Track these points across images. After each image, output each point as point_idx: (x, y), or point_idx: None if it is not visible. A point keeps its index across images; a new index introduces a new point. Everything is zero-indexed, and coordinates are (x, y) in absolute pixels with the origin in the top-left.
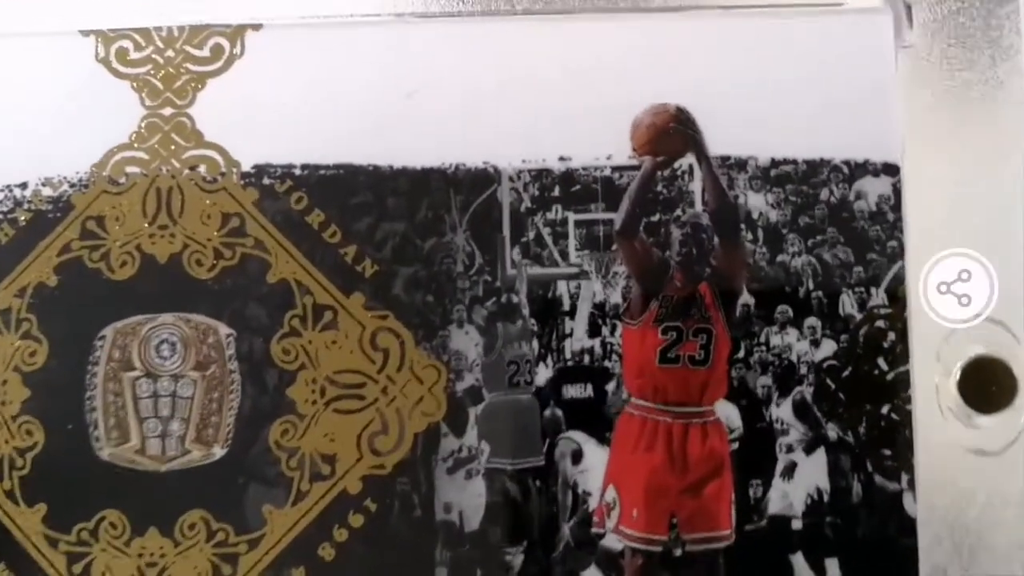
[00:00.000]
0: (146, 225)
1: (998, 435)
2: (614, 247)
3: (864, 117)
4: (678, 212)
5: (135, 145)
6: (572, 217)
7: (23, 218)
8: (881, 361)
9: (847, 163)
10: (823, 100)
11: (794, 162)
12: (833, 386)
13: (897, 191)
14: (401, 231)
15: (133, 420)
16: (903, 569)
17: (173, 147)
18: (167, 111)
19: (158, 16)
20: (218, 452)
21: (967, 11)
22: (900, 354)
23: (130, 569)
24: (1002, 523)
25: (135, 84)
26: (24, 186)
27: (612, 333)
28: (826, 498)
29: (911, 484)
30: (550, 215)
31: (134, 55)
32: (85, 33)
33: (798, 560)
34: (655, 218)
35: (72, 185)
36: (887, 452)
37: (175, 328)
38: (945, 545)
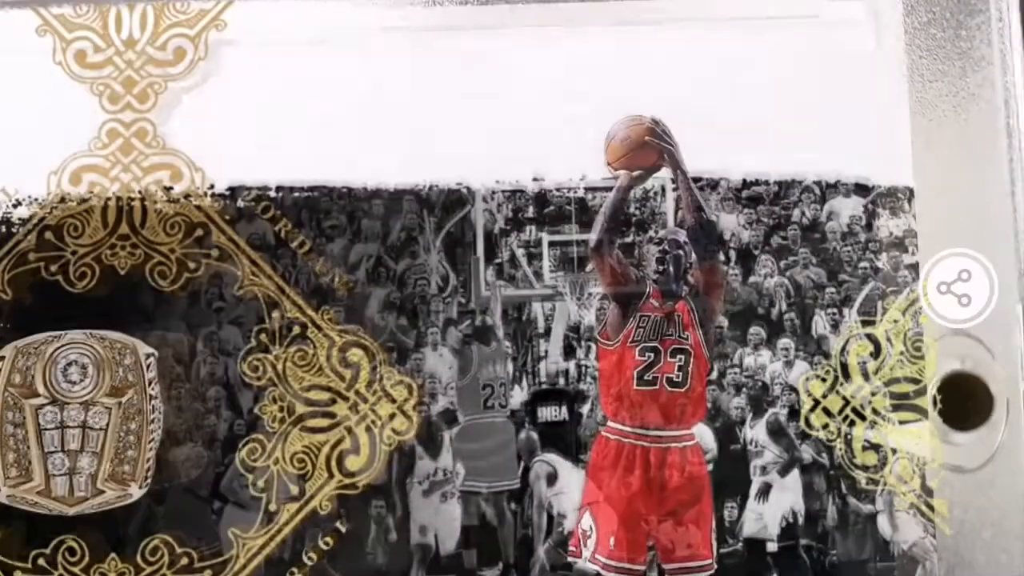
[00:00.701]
0: (104, 234)
1: (975, 453)
2: (589, 267)
3: (839, 130)
4: (651, 232)
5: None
6: (546, 238)
7: None
8: (858, 379)
9: (819, 183)
10: (798, 111)
11: (766, 183)
12: (808, 406)
13: (868, 211)
14: (375, 252)
15: (35, 456)
16: None
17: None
18: (128, 116)
19: None
20: (135, 492)
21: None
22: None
23: None
24: (979, 542)
25: (94, 87)
26: None
27: (587, 355)
28: (800, 520)
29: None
30: (524, 236)
31: (94, 57)
32: (41, 32)
33: None
34: (630, 238)
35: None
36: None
37: (86, 347)
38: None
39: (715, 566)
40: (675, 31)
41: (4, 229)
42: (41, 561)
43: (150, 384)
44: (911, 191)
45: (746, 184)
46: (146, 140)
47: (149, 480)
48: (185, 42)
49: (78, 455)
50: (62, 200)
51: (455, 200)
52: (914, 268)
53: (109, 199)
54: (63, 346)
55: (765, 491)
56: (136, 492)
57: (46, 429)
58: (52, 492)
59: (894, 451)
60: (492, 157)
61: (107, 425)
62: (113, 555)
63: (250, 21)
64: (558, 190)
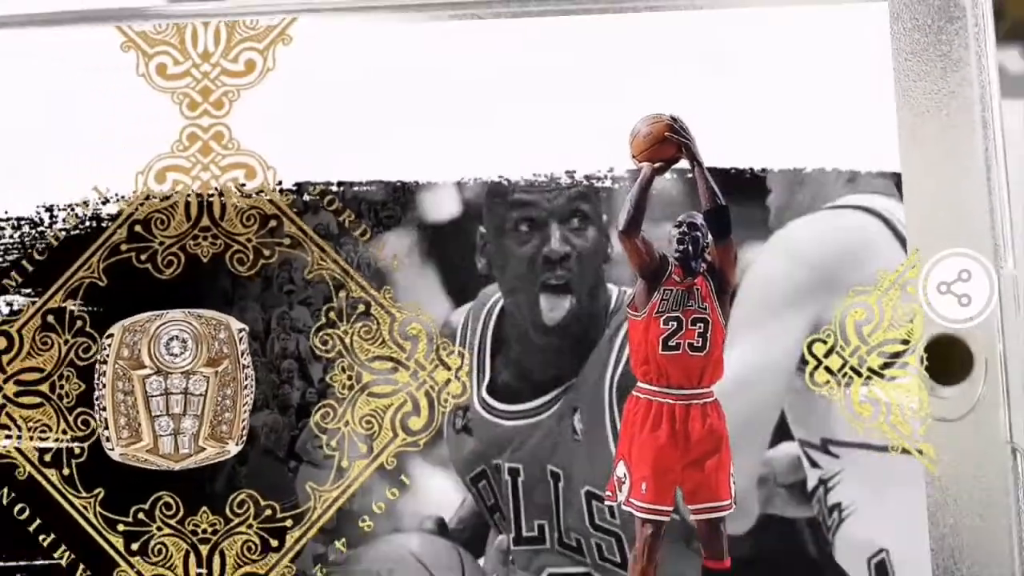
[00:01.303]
0: (188, 227)
1: (958, 404)
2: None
3: (830, 125)
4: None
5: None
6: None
7: (76, 224)
8: (855, 341)
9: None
10: (793, 108)
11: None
12: (813, 365)
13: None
14: (428, 237)
15: (144, 419)
16: None
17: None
18: (205, 121)
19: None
20: (232, 448)
21: None
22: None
23: (183, 546)
24: (963, 480)
25: (174, 96)
26: (77, 196)
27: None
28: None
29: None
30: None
31: (173, 69)
32: (126, 48)
33: None
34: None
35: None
36: None
37: (185, 324)
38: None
39: (733, 506)
40: (687, 27)
41: (95, 224)
42: (140, 515)
43: (242, 355)
44: (898, 176)
45: (753, 174)
46: (222, 142)
47: (244, 438)
48: (255, 55)
49: (181, 418)
50: (147, 197)
51: (496, 190)
52: (902, 243)
53: (191, 195)
54: (165, 323)
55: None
56: (233, 449)
57: (152, 396)
58: (160, 450)
59: (887, 404)
60: (527, 152)
61: (206, 391)
62: (204, 508)
63: (312, 36)
64: (587, 180)
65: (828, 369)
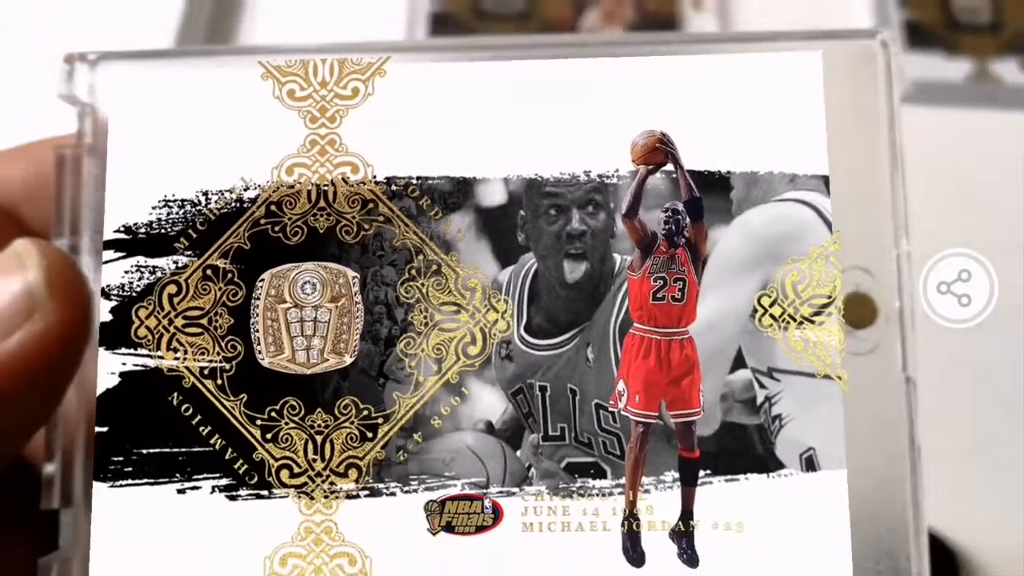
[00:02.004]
0: (309, 207)
1: (867, 342)
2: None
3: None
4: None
5: (300, 154)
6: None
7: (227, 204)
8: (791, 295)
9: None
10: (759, 127)
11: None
12: (760, 313)
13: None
14: (482, 218)
15: (286, 338)
16: None
17: (326, 155)
18: (323, 131)
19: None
20: (348, 360)
21: None
22: (804, 290)
23: (303, 436)
24: (873, 398)
25: (300, 113)
26: (227, 183)
27: None
28: (756, 385)
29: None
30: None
31: (299, 93)
32: (265, 78)
33: None
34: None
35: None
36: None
37: (315, 272)
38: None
39: (702, 412)
40: (675, 63)
41: (240, 205)
42: (273, 414)
43: (355, 295)
44: (827, 177)
45: (720, 175)
46: (335, 147)
47: (356, 353)
48: (359, 83)
49: (311, 338)
50: (279, 186)
51: (533, 184)
52: (828, 226)
53: (312, 185)
54: (300, 271)
55: (734, 369)
56: (348, 360)
57: (291, 323)
58: (296, 360)
59: (815, 342)
60: (557, 156)
61: (329, 320)
62: (319, 409)
63: (400, 71)
64: (600, 177)
65: (772, 316)
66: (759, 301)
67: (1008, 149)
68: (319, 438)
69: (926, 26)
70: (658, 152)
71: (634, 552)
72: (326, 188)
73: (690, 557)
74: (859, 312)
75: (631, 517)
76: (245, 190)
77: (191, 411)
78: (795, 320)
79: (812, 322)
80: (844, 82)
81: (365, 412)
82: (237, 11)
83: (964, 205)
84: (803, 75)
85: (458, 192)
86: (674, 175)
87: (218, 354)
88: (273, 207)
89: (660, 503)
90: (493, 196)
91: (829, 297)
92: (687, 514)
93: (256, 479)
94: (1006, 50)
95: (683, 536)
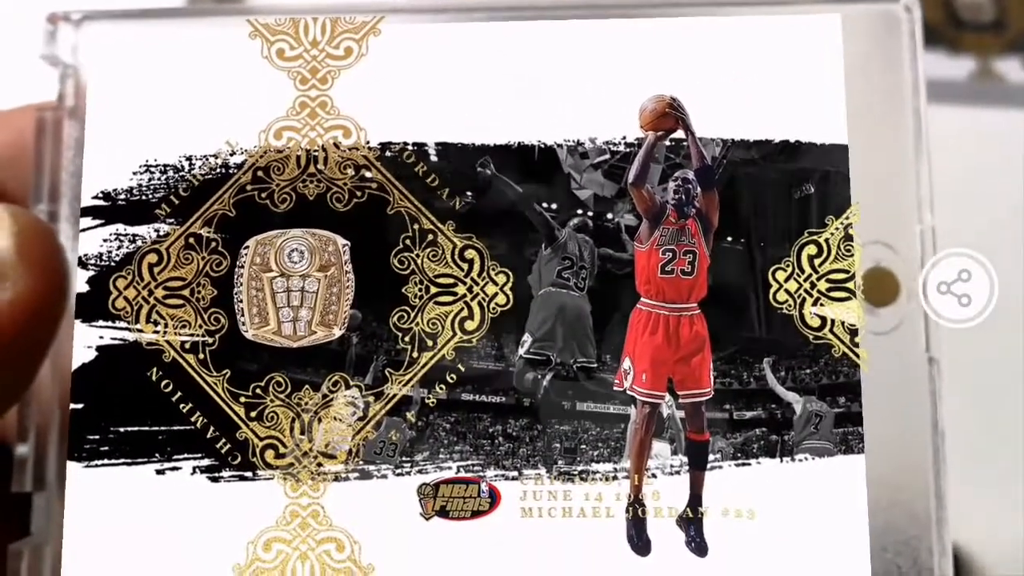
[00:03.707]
0: (298, 173)
1: (888, 320)
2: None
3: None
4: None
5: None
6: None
7: (211, 170)
8: (808, 270)
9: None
10: (778, 96)
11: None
12: (775, 288)
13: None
14: (480, 186)
15: (271, 309)
16: None
17: (317, 119)
18: (313, 93)
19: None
20: (337, 332)
21: None
22: (822, 265)
23: (290, 415)
24: (891, 379)
25: (289, 74)
26: (212, 148)
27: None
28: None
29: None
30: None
31: (289, 53)
32: (253, 36)
33: None
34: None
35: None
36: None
37: (303, 239)
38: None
39: (712, 393)
40: (687, 25)
41: (225, 170)
42: (258, 391)
43: (345, 264)
44: (846, 148)
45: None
46: (326, 109)
47: (345, 326)
48: (353, 43)
49: (299, 309)
50: (267, 150)
51: (543, 151)
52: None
53: (301, 149)
54: (287, 238)
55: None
56: (336, 333)
57: (277, 292)
58: (282, 332)
59: (831, 319)
60: (564, 122)
61: (317, 290)
62: (307, 387)
63: (396, 30)
64: (606, 143)
65: (787, 291)
66: (773, 275)
67: (1010, 148)
68: (306, 416)
69: (929, 24)
70: (668, 117)
71: (639, 540)
72: (316, 153)
73: (699, 545)
74: (880, 289)
75: (636, 503)
76: (231, 155)
77: (171, 387)
78: (811, 296)
79: (830, 298)
80: (865, 48)
81: (356, 391)
82: None
83: (964, 205)
84: (821, 39)
85: (456, 158)
86: (685, 142)
87: (200, 327)
88: (260, 173)
89: (667, 488)
90: (493, 163)
91: (848, 272)
92: (696, 500)
93: (239, 459)
94: (1009, 49)
95: (691, 523)
